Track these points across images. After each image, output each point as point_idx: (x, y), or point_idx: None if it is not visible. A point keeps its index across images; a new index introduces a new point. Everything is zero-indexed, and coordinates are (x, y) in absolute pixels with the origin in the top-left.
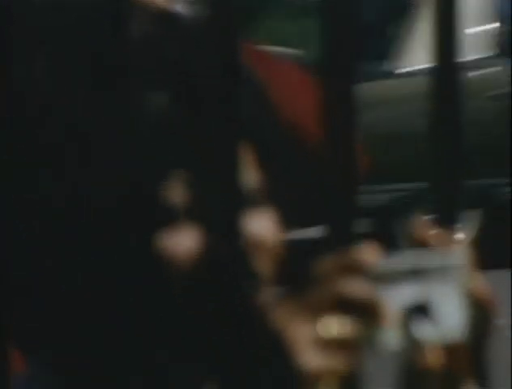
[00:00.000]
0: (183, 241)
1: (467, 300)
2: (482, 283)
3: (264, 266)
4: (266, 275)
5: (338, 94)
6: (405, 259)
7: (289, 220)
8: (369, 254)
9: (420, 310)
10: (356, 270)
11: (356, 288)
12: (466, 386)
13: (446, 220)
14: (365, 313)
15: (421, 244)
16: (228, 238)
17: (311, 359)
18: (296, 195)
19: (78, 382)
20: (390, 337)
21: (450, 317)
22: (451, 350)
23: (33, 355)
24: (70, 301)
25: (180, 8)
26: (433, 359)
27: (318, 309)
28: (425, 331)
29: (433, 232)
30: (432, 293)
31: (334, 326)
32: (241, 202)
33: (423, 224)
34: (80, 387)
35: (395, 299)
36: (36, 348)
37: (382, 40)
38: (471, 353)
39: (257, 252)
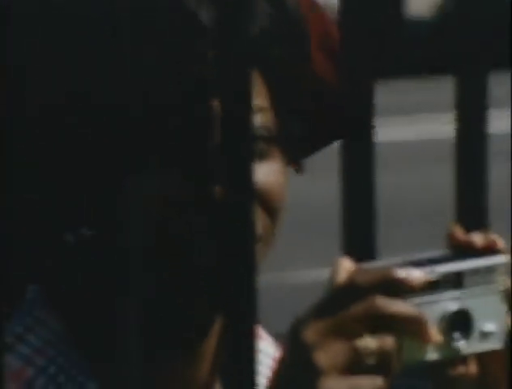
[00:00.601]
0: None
1: (507, 303)
2: None
3: (263, 220)
4: (265, 232)
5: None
6: (444, 264)
7: (296, 162)
8: (411, 272)
9: (460, 317)
10: (397, 286)
11: (397, 303)
12: None
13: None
14: (407, 330)
15: (460, 248)
16: (234, 187)
17: (338, 385)
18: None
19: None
20: (431, 351)
21: (490, 324)
22: (490, 357)
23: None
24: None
25: None
26: (472, 367)
27: (354, 327)
28: (465, 339)
29: (472, 236)
30: (472, 300)
31: (371, 344)
32: (249, 149)
33: (460, 228)
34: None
35: (435, 307)
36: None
37: None
38: (509, 359)
39: (259, 203)
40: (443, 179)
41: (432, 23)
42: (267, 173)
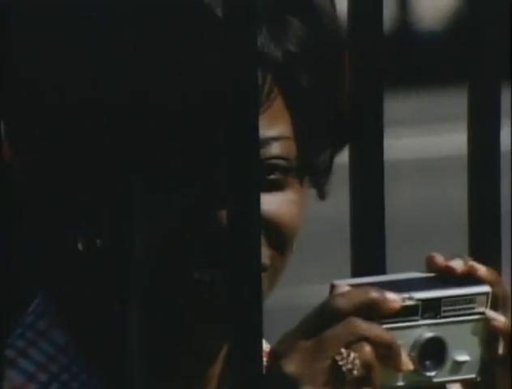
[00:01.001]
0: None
1: (485, 332)
2: (503, 313)
3: (271, 251)
4: (272, 262)
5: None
6: (423, 291)
7: (320, 188)
8: (388, 295)
9: (433, 345)
10: (374, 309)
11: (372, 327)
12: None
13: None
14: (378, 354)
15: (441, 273)
16: (242, 215)
17: None
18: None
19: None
20: (401, 378)
21: (464, 353)
22: (466, 386)
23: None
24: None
25: None
26: None
27: (333, 346)
28: (437, 367)
29: (451, 262)
30: (448, 328)
31: (351, 354)
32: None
33: (440, 254)
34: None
35: (409, 333)
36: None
37: None
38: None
39: (268, 232)
40: (460, 193)
41: (444, 31)
42: (280, 203)
